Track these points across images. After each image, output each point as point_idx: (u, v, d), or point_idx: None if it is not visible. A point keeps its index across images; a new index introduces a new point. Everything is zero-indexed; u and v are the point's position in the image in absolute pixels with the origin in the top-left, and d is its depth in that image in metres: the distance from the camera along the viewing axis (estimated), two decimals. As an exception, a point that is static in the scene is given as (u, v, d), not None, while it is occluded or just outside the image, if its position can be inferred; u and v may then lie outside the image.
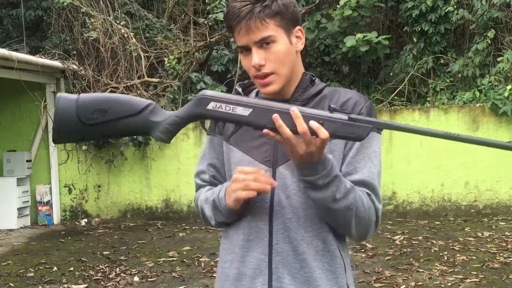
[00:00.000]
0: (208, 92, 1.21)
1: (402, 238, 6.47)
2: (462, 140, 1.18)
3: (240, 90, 1.47)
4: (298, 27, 1.38)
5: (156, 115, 1.21)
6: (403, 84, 8.75)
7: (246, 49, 1.34)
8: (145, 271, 5.39)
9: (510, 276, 4.80)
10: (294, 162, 1.25)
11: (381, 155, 1.41)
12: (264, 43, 1.31)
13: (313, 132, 1.18)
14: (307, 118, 1.18)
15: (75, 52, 8.67)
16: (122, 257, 6.01)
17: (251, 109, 1.18)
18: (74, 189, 8.37)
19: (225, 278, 1.43)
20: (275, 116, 1.16)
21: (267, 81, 1.34)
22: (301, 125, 1.17)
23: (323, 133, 1.17)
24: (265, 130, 1.19)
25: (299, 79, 1.41)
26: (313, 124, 1.17)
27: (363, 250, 5.94)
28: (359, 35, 8.40)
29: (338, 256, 1.38)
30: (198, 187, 1.56)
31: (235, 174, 1.31)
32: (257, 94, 1.48)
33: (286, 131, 1.17)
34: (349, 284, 1.41)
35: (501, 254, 5.57)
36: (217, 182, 1.50)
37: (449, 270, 5.06)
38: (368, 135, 1.20)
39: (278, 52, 1.33)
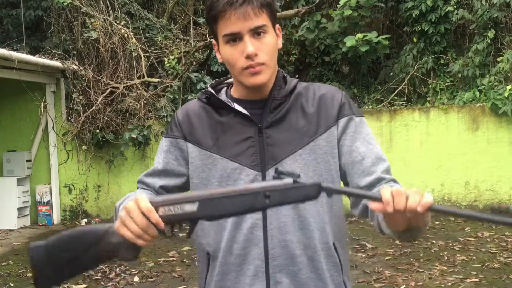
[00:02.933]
0: (156, 198, 1.19)
1: (402, 238, 6.46)
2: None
3: (212, 90, 1.41)
4: (277, 25, 1.37)
5: (115, 236, 1.19)
6: (403, 84, 8.75)
7: (237, 38, 1.29)
8: (145, 271, 5.39)
9: (510, 276, 4.80)
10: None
11: (374, 137, 1.40)
12: (258, 32, 1.28)
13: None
14: (253, 194, 1.14)
15: (75, 52, 8.66)
16: (122, 257, 6.01)
17: (197, 203, 1.18)
18: (74, 189, 8.37)
19: None
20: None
21: (258, 69, 1.30)
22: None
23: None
24: None
25: (275, 77, 1.38)
26: None
27: (363, 250, 5.94)
28: (359, 35, 8.40)
29: (334, 255, 1.38)
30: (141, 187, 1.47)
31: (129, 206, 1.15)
32: (226, 94, 1.44)
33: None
34: (345, 281, 1.41)
35: (501, 254, 5.56)
36: (163, 191, 1.43)
37: (449, 270, 5.06)
38: (319, 193, 1.11)
39: (269, 44, 1.31)
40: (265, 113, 1.36)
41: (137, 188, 1.48)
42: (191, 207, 1.17)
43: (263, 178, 1.34)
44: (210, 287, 1.40)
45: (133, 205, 1.13)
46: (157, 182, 1.43)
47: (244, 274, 1.35)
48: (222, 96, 1.43)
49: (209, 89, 1.42)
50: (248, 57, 1.28)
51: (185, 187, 1.44)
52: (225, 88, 1.46)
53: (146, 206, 1.12)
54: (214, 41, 1.38)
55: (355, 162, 1.36)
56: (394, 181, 1.34)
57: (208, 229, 1.39)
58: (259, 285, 1.33)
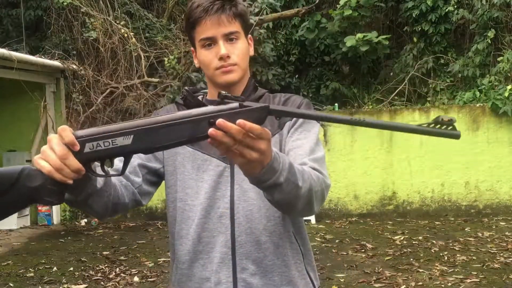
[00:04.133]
0: (79, 133, 1.05)
1: (402, 238, 6.46)
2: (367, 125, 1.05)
3: (190, 90, 1.50)
4: (250, 35, 1.50)
5: (34, 179, 1.04)
6: (403, 84, 8.74)
7: (212, 42, 1.41)
8: (145, 271, 5.38)
9: (510, 276, 4.80)
10: (252, 173, 1.08)
11: (320, 142, 1.45)
12: (231, 37, 1.41)
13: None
14: (196, 121, 1.03)
15: (75, 52, 8.66)
16: (122, 257, 6.01)
17: (132, 135, 1.04)
18: (74, 189, 8.35)
19: (188, 278, 1.43)
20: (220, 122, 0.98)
21: (230, 69, 1.41)
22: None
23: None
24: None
25: (247, 82, 1.49)
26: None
27: (363, 250, 5.94)
28: (359, 35, 8.40)
29: (295, 242, 1.44)
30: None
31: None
32: (202, 99, 1.52)
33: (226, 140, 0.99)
34: (308, 270, 1.46)
35: (501, 254, 5.56)
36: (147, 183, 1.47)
37: (449, 270, 5.05)
38: (266, 116, 1.05)
39: (241, 49, 1.43)
40: None
41: None
42: (124, 140, 1.04)
43: (232, 171, 1.40)
44: (177, 275, 1.46)
45: (54, 135, 1.05)
46: (135, 160, 1.42)
47: (211, 261, 1.40)
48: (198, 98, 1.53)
49: (188, 90, 1.51)
50: (221, 58, 1.40)
51: (161, 174, 1.49)
52: (201, 96, 1.55)
53: (68, 136, 1.03)
54: (192, 48, 1.50)
55: (293, 148, 1.40)
56: (314, 169, 1.31)
57: (174, 215, 1.47)
58: (225, 271, 1.38)
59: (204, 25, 1.40)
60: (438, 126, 1.03)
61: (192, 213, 1.43)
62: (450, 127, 1.03)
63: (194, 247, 1.42)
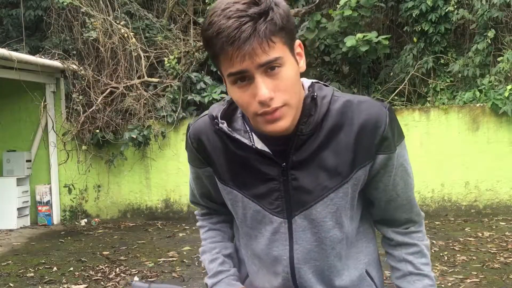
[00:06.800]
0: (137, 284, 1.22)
1: (402, 238, 6.45)
2: None
3: (225, 128, 1.16)
4: (297, 41, 1.10)
5: None
6: (403, 84, 8.74)
7: (245, 76, 1.03)
8: (145, 271, 5.38)
9: (510, 276, 4.79)
10: None
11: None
12: (271, 67, 1.02)
13: None
14: None
15: (75, 52, 8.66)
16: (122, 257, 6.01)
17: None
18: (74, 189, 8.36)
19: None
20: None
21: (277, 115, 1.04)
22: None
23: None
24: None
25: (302, 105, 1.12)
26: None
27: (363, 250, 5.93)
28: (359, 35, 8.39)
29: (370, 283, 1.28)
30: (203, 216, 1.42)
31: None
32: (243, 116, 1.19)
33: None
34: None
35: (501, 254, 5.56)
36: (215, 209, 1.38)
37: (449, 270, 5.05)
38: None
39: (288, 79, 1.04)
40: (290, 151, 1.14)
41: (199, 213, 1.45)
42: None
43: (290, 226, 1.17)
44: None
45: None
46: (204, 202, 1.40)
47: None
48: (238, 122, 1.19)
49: (223, 126, 1.16)
50: (263, 102, 1.03)
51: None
52: (242, 127, 1.20)
53: None
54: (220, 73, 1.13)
55: (391, 200, 1.23)
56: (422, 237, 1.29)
57: (241, 235, 1.31)
58: None
59: (230, 59, 1.00)
60: None
61: (256, 260, 1.26)
62: None
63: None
